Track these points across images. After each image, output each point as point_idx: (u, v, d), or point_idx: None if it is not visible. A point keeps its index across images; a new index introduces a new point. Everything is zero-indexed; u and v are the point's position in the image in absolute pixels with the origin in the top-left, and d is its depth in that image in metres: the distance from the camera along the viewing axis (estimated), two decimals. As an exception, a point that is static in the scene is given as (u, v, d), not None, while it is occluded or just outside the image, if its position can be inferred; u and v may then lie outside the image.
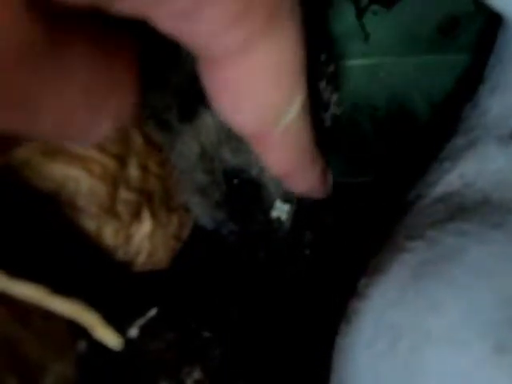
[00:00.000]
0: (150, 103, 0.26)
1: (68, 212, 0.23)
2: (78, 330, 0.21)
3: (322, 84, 0.26)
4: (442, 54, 0.31)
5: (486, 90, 0.26)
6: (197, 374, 0.23)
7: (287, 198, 0.26)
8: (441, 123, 0.31)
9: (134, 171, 0.25)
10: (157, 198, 0.26)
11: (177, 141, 0.26)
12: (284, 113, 0.17)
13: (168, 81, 0.25)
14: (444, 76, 0.32)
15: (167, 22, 0.14)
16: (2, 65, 0.12)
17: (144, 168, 0.25)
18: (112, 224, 0.24)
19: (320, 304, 0.29)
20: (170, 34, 0.14)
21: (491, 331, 0.19)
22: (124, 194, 0.24)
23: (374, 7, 0.30)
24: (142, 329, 0.23)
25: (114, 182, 0.24)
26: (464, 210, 0.23)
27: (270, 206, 0.26)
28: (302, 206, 0.26)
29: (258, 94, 0.16)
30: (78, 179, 0.23)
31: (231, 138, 0.25)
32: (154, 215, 0.26)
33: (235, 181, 0.25)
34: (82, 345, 0.22)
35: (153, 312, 0.24)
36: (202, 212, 0.27)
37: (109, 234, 0.24)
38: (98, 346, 0.21)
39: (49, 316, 0.20)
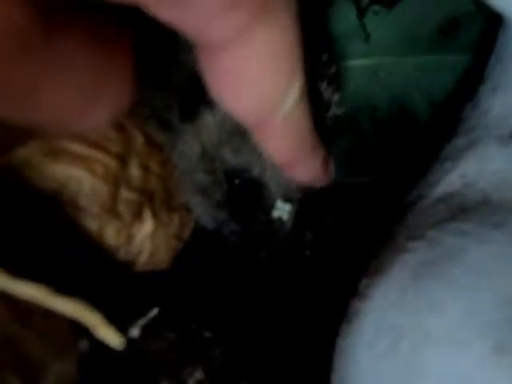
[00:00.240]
0: (151, 103, 0.26)
1: (70, 212, 0.23)
2: (79, 330, 0.21)
3: (324, 84, 0.26)
4: (443, 54, 0.31)
5: (486, 90, 0.26)
6: (198, 374, 0.23)
7: (288, 197, 0.26)
8: (441, 123, 0.31)
9: (135, 171, 0.25)
10: (158, 198, 0.26)
11: (178, 141, 0.26)
12: (283, 100, 0.17)
13: (169, 81, 0.25)
14: (444, 76, 0.32)
15: (161, 8, 0.14)
16: None
17: (145, 168, 0.25)
18: (114, 224, 0.24)
19: (321, 304, 0.29)
20: (165, 22, 0.14)
21: (491, 331, 0.19)
22: (125, 194, 0.24)
23: (375, 7, 0.30)
24: (144, 329, 0.23)
25: (116, 181, 0.24)
26: (464, 210, 0.23)
27: (272, 206, 0.26)
28: (302, 205, 0.26)
29: (256, 82, 0.17)
30: (80, 179, 0.23)
31: (232, 137, 0.25)
32: (155, 215, 0.26)
33: (236, 181, 0.25)
34: (83, 344, 0.22)
35: (154, 312, 0.24)
36: (204, 212, 0.27)
37: (110, 234, 0.24)
38: (99, 346, 0.21)
39: (50, 315, 0.20)
